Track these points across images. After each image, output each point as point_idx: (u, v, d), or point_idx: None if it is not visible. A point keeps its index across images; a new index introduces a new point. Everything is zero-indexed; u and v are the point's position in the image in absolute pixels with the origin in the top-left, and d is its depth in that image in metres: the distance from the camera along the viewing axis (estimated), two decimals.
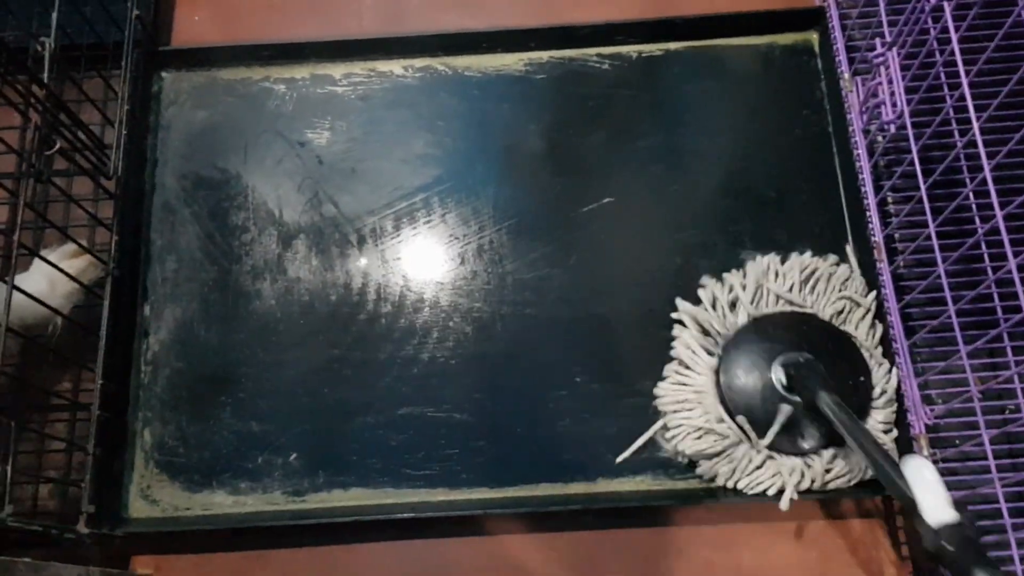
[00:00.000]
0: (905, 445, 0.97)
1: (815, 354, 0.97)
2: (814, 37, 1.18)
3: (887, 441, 0.97)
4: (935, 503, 0.66)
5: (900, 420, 0.98)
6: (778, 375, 0.96)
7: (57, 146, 0.88)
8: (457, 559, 0.99)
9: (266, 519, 0.99)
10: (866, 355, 0.99)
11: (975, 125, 0.84)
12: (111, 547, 0.98)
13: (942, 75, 1.06)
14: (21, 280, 0.93)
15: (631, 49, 1.18)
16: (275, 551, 1.00)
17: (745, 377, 0.97)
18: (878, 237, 1.04)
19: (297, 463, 1.02)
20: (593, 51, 1.18)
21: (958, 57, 0.87)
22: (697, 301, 1.04)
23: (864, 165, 1.07)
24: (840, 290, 1.02)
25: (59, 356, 1.02)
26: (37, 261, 0.97)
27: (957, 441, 0.98)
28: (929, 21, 0.91)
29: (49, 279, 0.98)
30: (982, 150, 0.83)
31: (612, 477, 1.01)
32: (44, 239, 1.08)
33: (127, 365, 1.05)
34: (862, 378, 0.97)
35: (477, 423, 1.03)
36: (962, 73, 0.86)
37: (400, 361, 1.06)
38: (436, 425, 1.03)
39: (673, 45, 1.18)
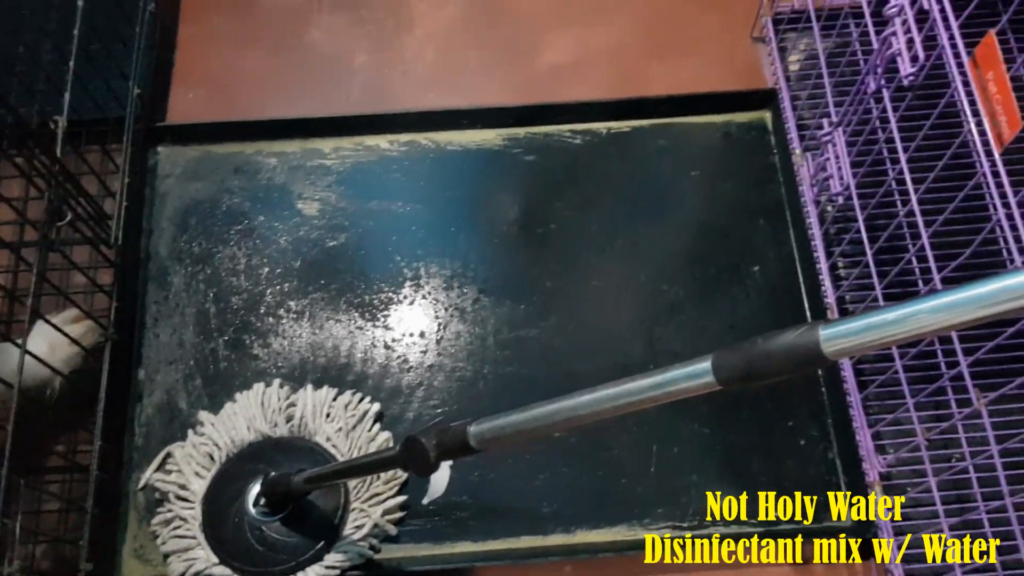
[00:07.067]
0: (860, 491, 1.04)
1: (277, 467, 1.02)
2: (768, 116, 1.28)
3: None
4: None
5: (855, 468, 1.05)
6: (255, 505, 1.01)
7: (69, 217, 0.93)
8: None
9: None
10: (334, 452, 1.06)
11: (913, 197, 0.93)
12: None
13: (884, 151, 1.16)
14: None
15: (601, 126, 1.27)
16: None
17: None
18: (831, 298, 1.12)
19: None
20: (567, 127, 1.27)
21: (896, 135, 0.97)
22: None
23: (816, 233, 1.16)
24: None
25: (58, 418, 1.05)
26: (38, 325, 1.01)
27: (908, 488, 1.05)
28: (872, 102, 1.01)
29: (49, 343, 1.01)
30: (920, 219, 0.92)
31: (591, 528, 1.06)
32: (42, 306, 1.11)
33: (122, 427, 1.09)
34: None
35: (460, 478, 1.08)
36: (900, 150, 0.96)
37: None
38: (421, 481, 1.07)
39: (640, 122, 1.27)
